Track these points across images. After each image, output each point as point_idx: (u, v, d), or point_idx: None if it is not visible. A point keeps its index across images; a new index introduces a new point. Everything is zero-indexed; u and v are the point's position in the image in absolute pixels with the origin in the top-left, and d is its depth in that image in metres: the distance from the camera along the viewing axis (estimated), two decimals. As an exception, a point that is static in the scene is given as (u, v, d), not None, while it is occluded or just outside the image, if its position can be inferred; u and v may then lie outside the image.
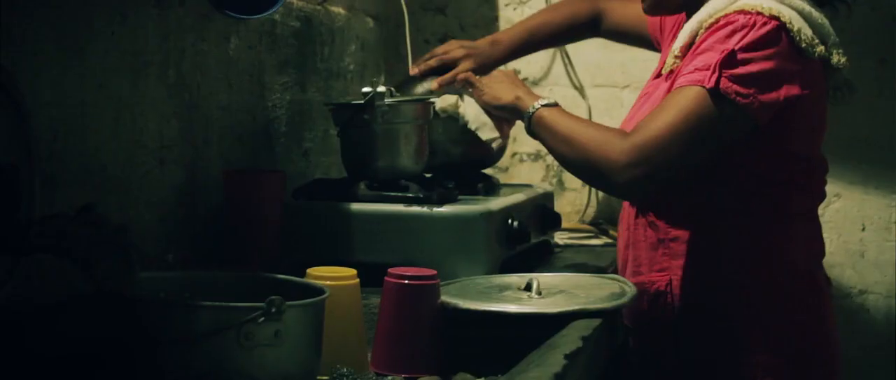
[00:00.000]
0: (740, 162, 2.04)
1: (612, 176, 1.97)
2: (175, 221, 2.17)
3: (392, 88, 2.38)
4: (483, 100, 2.40)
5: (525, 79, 3.45)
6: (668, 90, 2.04)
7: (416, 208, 2.20)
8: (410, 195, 2.24)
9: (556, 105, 2.17)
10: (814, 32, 1.99)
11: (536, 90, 3.41)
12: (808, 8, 2.01)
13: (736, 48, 1.92)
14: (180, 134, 2.18)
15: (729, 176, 2.05)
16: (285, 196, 2.30)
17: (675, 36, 2.23)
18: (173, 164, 2.16)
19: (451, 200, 2.27)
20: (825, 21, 2.03)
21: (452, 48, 2.59)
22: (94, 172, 1.91)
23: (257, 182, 2.23)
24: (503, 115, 2.38)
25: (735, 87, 1.91)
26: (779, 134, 2.00)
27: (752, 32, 1.93)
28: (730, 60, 1.92)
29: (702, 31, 2.03)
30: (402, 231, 2.20)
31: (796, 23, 1.96)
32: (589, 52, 3.40)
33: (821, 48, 1.99)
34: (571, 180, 3.43)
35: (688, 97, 1.94)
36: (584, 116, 3.40)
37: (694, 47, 2.02)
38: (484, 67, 2.55)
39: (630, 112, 2.30)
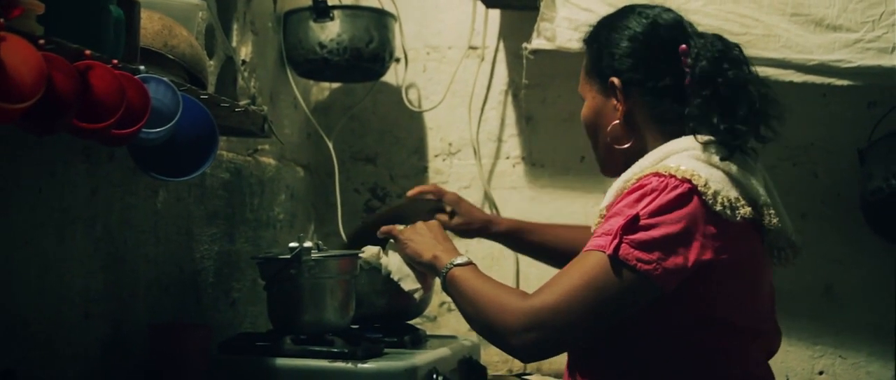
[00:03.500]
0: (658, 328, 1.98)
1: (506, 338, 1.97)
2: (99, 375, 2.15)
3: (319, 243, 2.40)
4: (405, 253, 2.44)
5: (453, 229, 3.49)
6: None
7: (340, 364, 2.21)
8: (335, 350, 2.24)
9: (469, 264, 2.19)
10: (741, 194, 1.95)
11: (466, 241, 3.46)
12: (734, 168, 1.97)
13: (640, 213, 1.89)
14: (106, 287, 2.18)
15: (650, 341, 2.00)
16: (211, 350, 2.29)
17: None
18: (98, 318, 2.16)
19: (376, 354, 2.28)
20: (754, 181, 2.00)
21: (452, 193, 2.73)
22: (16, 328, 1.90)
23: (183, 336, 2.23)
24: (423, 270, 2.42)
25: (636, 252, 1.87)
26: (697, 300, 1.95)
27: (661, 196, 1.90)
28: (632, 226, 1.89)
29: (625, 191, 2.00)
30: (327, 388, 2.21)
31: (714, 185, 1.92)
32: (517, 204, 3.46)
33: (746, 210, 1.94)
34: (499, 330, 3.45)
35: (589, 263, 1.92)
36: (512, 267, 3.45)
37: (609, 209, 2.02)
38: (465, 229, 2.69)
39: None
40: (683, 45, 2.08)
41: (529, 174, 3.48)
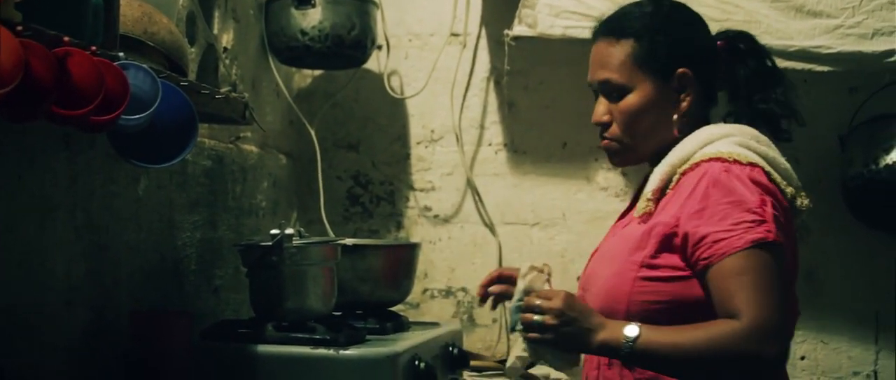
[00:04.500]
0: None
1: (762, 360, 1.89)
2: (81, 362, 2.15)
3: (301, 230, 2.40)
4: (557, 350, 2.09)
5: (436, 215, 3.50)
6: (647, 230, 2.05)
7: (322, 351, 2.21)
8: (317, 337, 2.25)
9: (639, 325, 1.97)
10: (782, 176, 2.06)
11: (448, 228, 3.48)
12: (772, 153, 2.08)
13: (759, 199, 1.96)
14: (88, 275, 2.18)
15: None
16: (193, 337, 2.29)
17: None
18: (80, 305, 2.15)
19: (357, 341, 2.28)
20: (788, 165, 2.09)
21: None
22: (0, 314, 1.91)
23: (165, 324, 2.22)
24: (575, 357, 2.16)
25: (779, 234, 1.94)
26: None
27: (747, 180, 1.98)
28: (762, 211, 1.95)
29: (676, 175, 2.07)
30: (309, 374, 2.21)
31: (769, 169, 2.03)
32: (499, 191, 3.47)
33: (790, 189, 2.05)
34: (482, 317, 3.47)
35: (762, 258, 1.92)
36: (494, 253, 3.46)
37: (681, 189, 2.04)
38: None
39: (601, 248, 2.27)
40: (721, 42, 2.23)
41: (511, 161, 3.49)
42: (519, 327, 2.05)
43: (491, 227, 3.48)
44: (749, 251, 1.92)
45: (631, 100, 2.16)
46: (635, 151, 2.20)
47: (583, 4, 2.98)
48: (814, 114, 3.25)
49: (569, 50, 3.25)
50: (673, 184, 2.07)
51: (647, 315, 1.99)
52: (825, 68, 2.91)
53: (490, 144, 3.51)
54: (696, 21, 2.23)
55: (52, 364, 2.06)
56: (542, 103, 3.46)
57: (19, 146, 1.95)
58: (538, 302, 2.01)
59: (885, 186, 2.96)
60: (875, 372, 3.27)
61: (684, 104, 2.15)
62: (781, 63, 2.88)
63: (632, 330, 1.95)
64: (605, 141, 2.23)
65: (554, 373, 3.14)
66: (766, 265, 1.92)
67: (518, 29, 3.08)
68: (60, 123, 1.69)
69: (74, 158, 2.13)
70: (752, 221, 1.93)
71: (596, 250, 2.29)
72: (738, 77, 2.22)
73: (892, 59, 2.87)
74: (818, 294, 3.30)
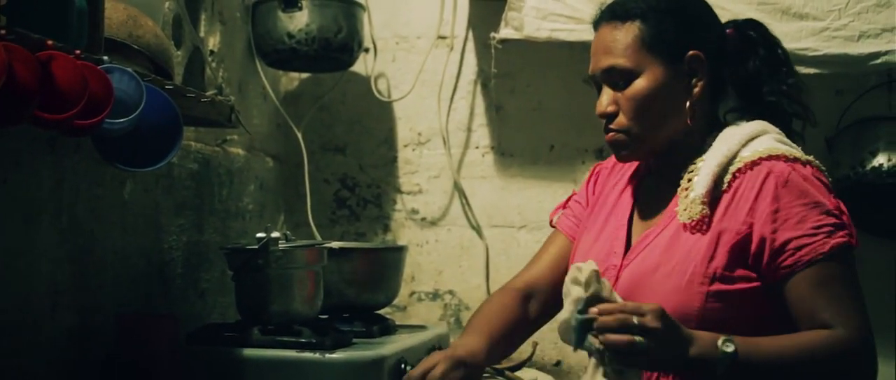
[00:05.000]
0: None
1: (864, 373, 1.89)
2: (67, 366, 2.15)
3: (287, 233, 2.40)
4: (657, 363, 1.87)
5: (423, 218, 3.50)
6: (713, 239, 1.93)
7: (308, 354, 2.21)
8: (303, 340, 2.24)
9: (734, 345, 1.81)
10: None
11: (435, 230, 3.48)
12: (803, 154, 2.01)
13: (833, 201, 1.93)
14: (73, 278, 2.17)
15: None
16: (179, 341, 2.29)
17: (598, 192, 2.27)
18: (65, 309, 2.15)
19: (344, 344, 2.28)
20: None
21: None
22: (-18, 319, 1.90)
23: (150, 327, 2.22)
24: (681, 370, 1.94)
25: (855, 234, 1.94)
26: None
27: (818, 181, 1.95)
28: (840, 214, 1.93)
29: (728, 175, 1.96)
30: (295, 377, 2.20)
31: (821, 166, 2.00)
32: (486, 194, 3.47)
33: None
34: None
35: (843, 266, 1.91)
36: (481, 256, 3.46)
37: (743, 192, 1.94)
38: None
39: (640, 259, 2.05)
40: (730, 29, 2.14)
41: (499, 164, 3.49)
42: (596, 345, 1.77)
43: (478, 230, 3.48)
44: (833, 257, 1.87)
45: (639, 85, 2.02)
46: (645, 142, 2.05)
47: (569, 7, 2.98)
48: (800, 116, 3.27)
49: (555, 53, 3.26)
50: (725, 185, 1.96)
51: (721, 333, 1.83)
52: (812, 71, 2.91)
53: (477, 147, 3.51)
54: (704, 3, 2.12)
55: (36, 368, 2.06)
56: (529, 106, 3.46)
57: (3, 150, 1.95)
58: (635, 320, 1.75)
59: (872, 189, 2.96)
60: (862, 374, 3.28)
61: (697, 90, 2.03)
62: (768, 65, 2.90)
63: (728, 345, 1.79)
64: (611, 134, 2.07)
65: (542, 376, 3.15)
66: (850, 271, 1.89)
67: (505, 32, 3.09)
68: (45, 127, 1.69)
69: (59, 161, 2.12)
70: (833, 225, 1.89)
71: (625, 262, 2.08)
72: (748, 68, 2.11)
73: (878, 61, 2.88)
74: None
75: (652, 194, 2.15)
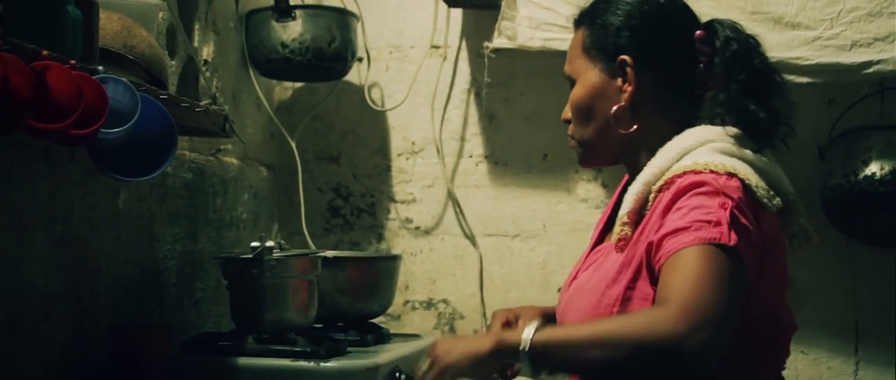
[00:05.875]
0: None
1: (678, 347, 1.63)
2: (60, 375, 2.14)
3: (281, 242, 2.40)
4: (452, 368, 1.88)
5: (417, 227, 3.51)
6: (625, 261, 1.88)
7: (303, 363, 2.21)
8: (298, 349, 2.25)
9: (540, 326, 1.79)
10: (768, 183, 1.87)
11: (429, 239, 3.49)
12: (763, 160, 1.91)
13: (726, 206, 1.76)
14: (67, 288, 2.18)
15: None
16: (173, 350, 2.29)
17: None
18: (59, 318, 2.15)
19: (338, 353, 2.28)
20: (778, 169, 1.93)
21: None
22: (-25, 329, 1.90)
23: (144, 337, 2.22)
24: (485, 370, 1.88)
25: (742, 244, 1.74)
26: (752, 296, 1.81)
27: (724, 191, 1.78)
28: (732, 216, 1.75)
29: (652, 194, 1.89)
30: (289, 386, 2.21)
31: (752, 178, 1.84)
32: (479, 203, 3.47)
33: (777, 201, 1.85)
34: (464, 328, 3.46)
35: (708, 256, 1.71)
36: (475, 265, 3.46)
37: (655, 211, 1.85)
38: None
39: (575, 280, 2.07)
40: (700, 32, 2.00)
41: (492, 173, 3.49)
42: None
43: (472, 238, 3.48)
44: (698, 248, 1.71)
45: (575, 90, 2.04)
46: (593, 148, 2.05)
47: (562, 17, 2.99)
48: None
49: (549, 62, 3.26)
50: (650, 204, 1.89)
51: None
52: (804, 80, 2.92)
53: (471, 156, 3.52)
54: (662, 10, 2.03)
55: (30, 377, 2.06)
56: (522, 115, 3.47)
57: (-3, 159, 1.95)
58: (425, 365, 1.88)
59: (865, 197, 2.97)
60: (855, 382, 3.28)
61: (624, 95, 1.97)
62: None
63: (527, 329, 1.76)
64: (570, 140, 2.09)
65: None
66: (715, 265, 1.69)
67: (498, 41, 3.09)
68: (40, 137, 1.69)
69: (53, 171, 2.13)
70: (707, 222, 1.73)
71: (573, 276, 2.10)
72: (714, 69, 1.97)
73: (871, 70, 2.88)
74: (798, 305, 3.29)
75: (614, 211, 2.09)
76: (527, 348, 1.75)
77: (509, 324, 2.17)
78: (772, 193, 1.86)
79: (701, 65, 1.99)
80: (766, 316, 1.90)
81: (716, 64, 1.96)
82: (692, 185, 1.81)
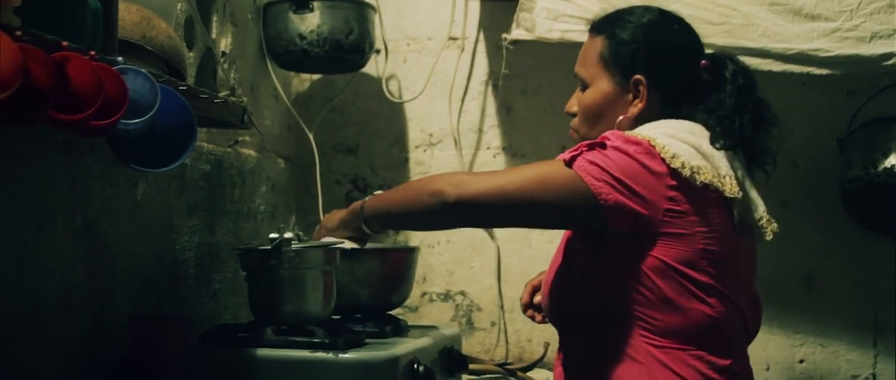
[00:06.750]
0: (634, 282, 2.02)
1: (443, 197, 2.04)
2: (79, 367, 2.15)
3: (300, 234, 2.40)
4: (327, 227, 2.44)
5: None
6: (562, 246, 2.21)
7: (321, 354, 2.21)
8: (316, 341, 2.24)
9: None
10: (703, 164, 1.99)
11: (446, 232, 3.49)
12: (705, 146, 2.03)
13: (605, 142, 2.01)
14: (86, 279, 2.18)
15: (624, 295, 2.03)
16: (192, 341, 2.29)
17: None
18: (78, 310, 2.15)
19: (357, 344, 2.28)
20: (725, 162, 2.04)
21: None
22: (-5, 320, 1.90)
23: (163, 328, 2.22)
24: (346, 232, 2.38)
25: (591, 168, 1.98)
26: (668, 250, 2.00)
27: (623, 144, 2.00)
28: (594, 148, 2.01)
29: None
30: (308, 378, 2.20)
31: (674, 150, 1.98)
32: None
33: (706, 176, 1.98)
34: (481, 320, 3.46)
35: (544, 164, 2.05)
36: (493, 257, 3.46)
37: None
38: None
39: (553, 263, 2.30)
40: (705, 61, 2.18)
41: (510, 164, 3.49)
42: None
43: (489, 230, 3.48)
44: (560, 161, 2.01)
45: (589, 94, 2.22)
46: None
47: (580, 8, 2.98)
48: (812, 117, 3.27)
49: (567, 53, 3.24)
50: None
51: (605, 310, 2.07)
52: (823, 71, 2.91)
53: (488, 148, 3.51)
54: (677, 34, 2.21)
55: (49, 369, 2.06)
56: (540, 107, 3.47)
57: (17, 150, 1.95)
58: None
59: (884, 189, 2.95)
60: (874, 375, 3.27)
61: (633, 109, 2.16)
62: (779, 66, 2.90)
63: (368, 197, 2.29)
64: (571, 131, 2.29)
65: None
66: (548, 171, 2.01)
67: (516, 33, 3.08)
68: (59, 128, 1.69)
69: (73, 162, 2.13)
70: (582, 146, 2.02)
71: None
72: (723, 97, 2.14)
73: (891, 62, 2.87)
74: (817, 297, 3.30)
75: None
76: (363, 207, 2.27)
77: (536, 290, 2.51)
78: (703, 170, 1.98)
79: (705, 89, 2.17)
80: (681, 275, 2.00)
81: (726, 92, 2.14)
82: (600, 139, 2.04)
